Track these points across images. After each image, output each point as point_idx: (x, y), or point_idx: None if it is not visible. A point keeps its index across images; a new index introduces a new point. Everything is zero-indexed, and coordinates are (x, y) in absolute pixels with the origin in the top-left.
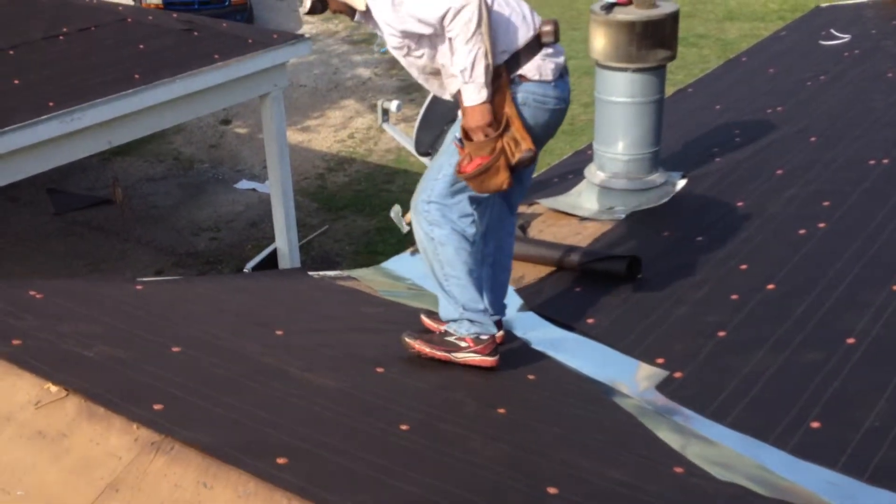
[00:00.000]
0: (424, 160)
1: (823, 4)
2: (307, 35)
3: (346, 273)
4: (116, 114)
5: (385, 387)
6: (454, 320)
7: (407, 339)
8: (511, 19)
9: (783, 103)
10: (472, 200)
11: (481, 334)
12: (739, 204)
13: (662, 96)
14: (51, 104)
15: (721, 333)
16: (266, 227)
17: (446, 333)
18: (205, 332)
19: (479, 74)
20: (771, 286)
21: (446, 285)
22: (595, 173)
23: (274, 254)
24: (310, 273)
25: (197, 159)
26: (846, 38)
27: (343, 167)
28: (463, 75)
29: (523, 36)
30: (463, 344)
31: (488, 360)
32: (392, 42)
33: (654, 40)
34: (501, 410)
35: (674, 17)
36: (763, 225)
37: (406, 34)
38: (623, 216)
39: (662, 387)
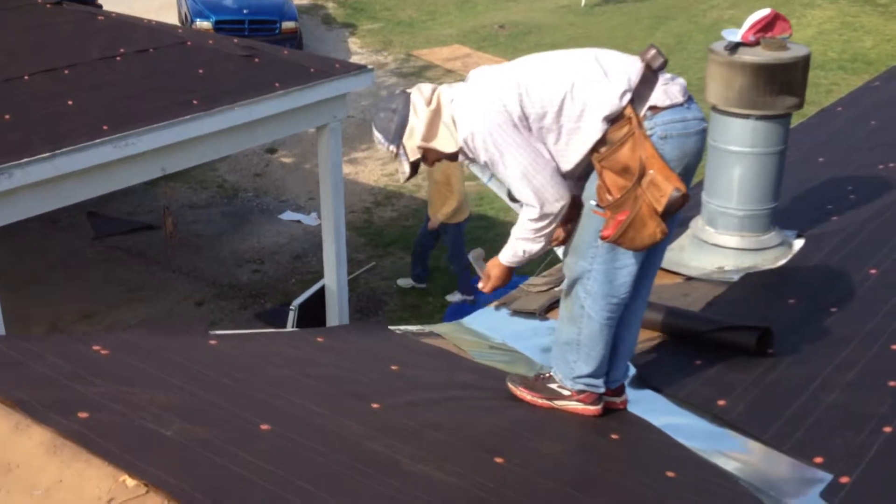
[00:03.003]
0: (514, 206)
1: None
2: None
3: (427, 329)
4: (172, 140)
5: (511, 485)
6: (565, 376)
7: (510, 385)
8: (613, 68)
9: (894, 159)
10: (636, 265)
11: (587, 391)
12: (872, 271)
13: (785, 148)
14: (105, 128)
15: (887, 429)
16: (311, 261)
17: (549, 379)
18: (295, 404)
19: (528, 252)
20: None
21: (574, 352)
22: (703, 228)
23: (321, 290)
24: (391, 328)
25: (241, 188)
26: None
27: (391, 202)
28: (516, 241)
29: (634, 72)
30: (565, 392)
31: (591, 409)
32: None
33: (781, 86)
34: None
35: (805, 61)
36: None
37: None
38: (736, 278)
39: (829, 495)
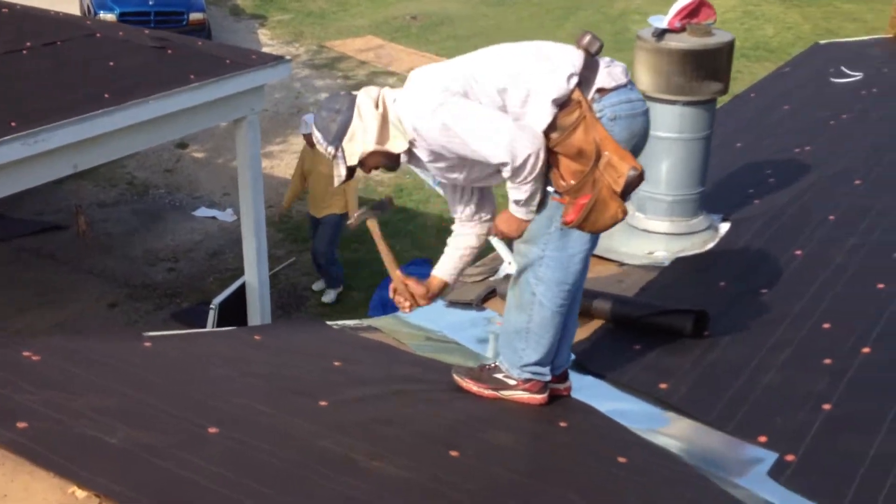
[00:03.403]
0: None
1: (822, 41)
2: None
3: (365, 323)
4: (84, 136)
5: (471, 478)
6: (512, 365)
7: (455, 377)
8: (556, 54)
9: (810, 142)
10: (589, 250)
11: (534, 379)
12: (797, 252)
13: (711, 133)
14: (13, 124)
15: (826, 406)
16: (228, 259)
17: (495, 370)
18: (239, 405)
19: (533, 205)
20: (866, 349)
21: (523, 340)
22: (633, 214)
23: (242, 288)
24: (328, 323)
25: (152, 184)
26: (858, 75)
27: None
28: (516, 203)
29: (577, 57)
30: (511, 382)
31: (537, 398)
32: (441, 166)
33: (707, 71)
34: None
35: (730, 47)
36: (833, 278)
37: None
38: (667, 262)
39: (775, 473)
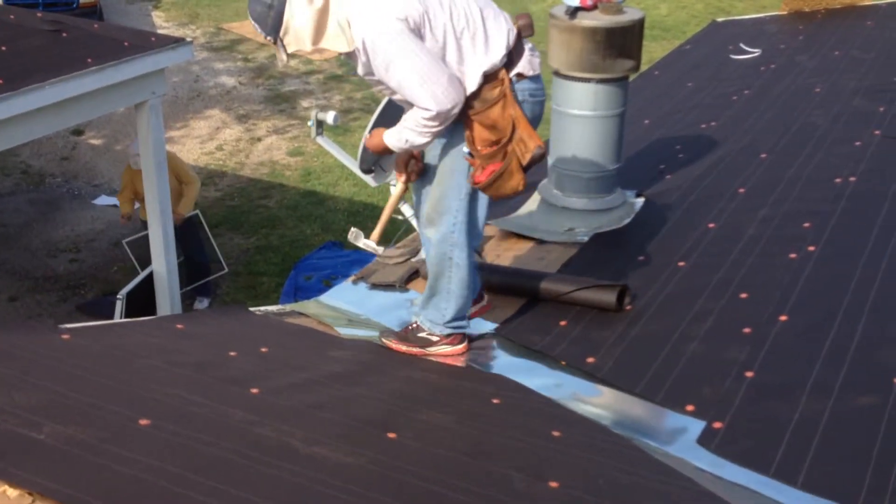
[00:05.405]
0: (367, 178)
1: (719, 19)
2: None
3: (288, 308)
4: None
5: (410, 459)
6: (434, 323)
7: (383, 340)
8: (494, 26)
9: (715, 118)
10: (487, 210)
11: (455, 332)
12: (711, 225)
13: (625, 110)
14: None
15: (749, 374)
16: (132, 247)
17: (418, 329)
18: (169, 395)
19: (411, 143)
20: (783, 317)
21: (444, 300)
22: (552, 192)
23: (149, 277)
24: (251, 309)
25: (48, 173)
26: (757, 52)
27: (214, 181)
28: (403, 129)
29: (510, 36)
30: (434, 339)
31: (459, 349)
32: (372, 80)
33: (619, 49)
34: (554, 484)
35: (640, 24)
36: (746, 248)
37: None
38: (586, 238)
39: (705, 441)
